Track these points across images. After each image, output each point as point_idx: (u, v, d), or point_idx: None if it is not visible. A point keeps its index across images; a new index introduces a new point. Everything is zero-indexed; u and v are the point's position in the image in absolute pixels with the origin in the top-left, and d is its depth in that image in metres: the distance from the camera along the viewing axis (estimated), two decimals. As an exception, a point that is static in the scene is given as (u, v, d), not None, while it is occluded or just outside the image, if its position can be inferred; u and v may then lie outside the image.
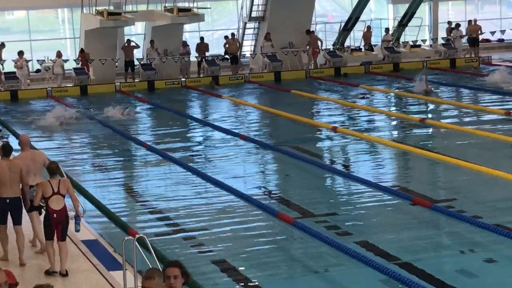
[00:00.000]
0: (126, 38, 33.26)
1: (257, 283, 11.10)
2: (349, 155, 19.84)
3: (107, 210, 14.49)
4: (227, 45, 33.67)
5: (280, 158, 19.08)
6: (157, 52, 32.63)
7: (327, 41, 36.76)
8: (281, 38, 34.20)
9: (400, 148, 19.57)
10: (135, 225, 13.65)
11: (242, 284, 11.11)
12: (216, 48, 35.97)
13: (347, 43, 35.96)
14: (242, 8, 36.02)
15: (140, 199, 16.00)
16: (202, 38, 34.02)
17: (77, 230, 11.43)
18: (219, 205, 15.05)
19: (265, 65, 33.80)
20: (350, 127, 22.39)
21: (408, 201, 14.58)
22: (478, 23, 36.12)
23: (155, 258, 9.51)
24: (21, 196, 11.59)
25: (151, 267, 8.92)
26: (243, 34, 35.78)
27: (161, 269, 6.91)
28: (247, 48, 35.78)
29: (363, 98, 27.06)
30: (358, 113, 24.89)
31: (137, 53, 33.20)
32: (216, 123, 23.66)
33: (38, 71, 33.17)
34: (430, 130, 21.81)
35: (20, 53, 31.03)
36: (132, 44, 32.56)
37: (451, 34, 36.20)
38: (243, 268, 11.64)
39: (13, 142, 15.79)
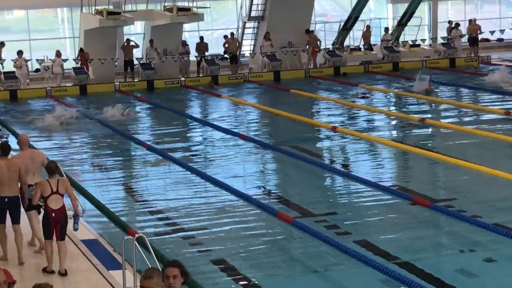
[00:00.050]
0: (125, 37, 33.25)
1: (256, 283, 11.09)
2: (349, 154, 19.83)
3: (106, 210, 14.48)
4: (226, 45, 33.66)
5: (279, 157, 19.07)
6: (156, 52, 32.62)
7: (327, 41, 36.79)
8: (280, 38, 34.19)
9: (400, 147, 19.57)
10: (134, 225, 13.64)
11: (242, 283, 11.10)
12: (216, 48, 35.95)
13: (346, 43, 35.96)
14: (241, 7, 36.02)
15: (140, 199, 16.00)
16: (202, 38, 34.02)
17: (75, 229, 11.43)
18: (219, 205, 15.04)
19: (264, 64, 33.80)
20: (350, 127, 22.38)
21: (407, 200, 14.57)
22: (477, 22, 36.13)
23: (155, 257, 9.51)
24: (19, 195, 11.59)
25: (150, 266, 8.92)
26: (243, 33, 35.78)
27: (160, 269, 6.89)
28: (247, 47, 35.77)
29: (363, 97, 27.02)
30: (357, 113, 24.88)
31: (137, 53, 33.19)
32: (215, 123, 23.66)
33: (37, 70, 33.16)
34: (430, 129, 21.80)
35: (20, 53, 31.03)
36: (132, 43, 32.54)
37: (451, 34, 36.20)
38: (242, 267, 11.62)
39: (13, 142, 15.76)
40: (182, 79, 32.45)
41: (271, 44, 33.85)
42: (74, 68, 31.66)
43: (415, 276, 10.80)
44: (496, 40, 39.47)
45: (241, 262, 11.88)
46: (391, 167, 18.89)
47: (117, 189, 17.02)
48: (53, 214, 10.96)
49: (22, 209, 11.77)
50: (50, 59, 31.83)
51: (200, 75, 33.13)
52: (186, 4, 33.45)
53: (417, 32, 36.94)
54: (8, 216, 11.60)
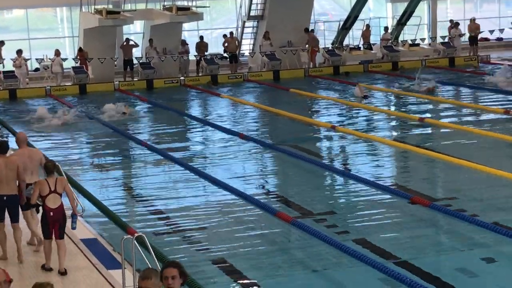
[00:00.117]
0: (125, 37, 33.25)
1: (256, 282, 11.09)
2: (348, 154, 19.82)
3: (106, 209, 14.48)
4: (226, 44, 33.66)
5: (279, 157, 19.07)
6: (156, 51, 32.62)
7: (327, 40, 36.79)
8: (280, 37, 34.20)
9: (399, 147, 19.57)
10: (134, 224, 13.64)
11: (241, 282, 11.10)
12: (215, 47, 35.95)
13: (346, 42, 35.95)
14: (241, 7, 36.03)
15: (139, 198, 15.98)
16: (201, 37, 34.04)
17: (73, 228, 11.43)
18: (218, 204, 15.03)
19: (264, 64, 33.80)
20: (349, 126, 22.37)
21: (407, 200, 14.57)
22: (476, 21, 36.13)
23: (154, 257, 9.50)
24: (18, 194, 11.59)
25: (149, 266, 8.92)
26: (242, 33, 35.78)
27: (159, 269, 6.88)
28: (246, 47, 35.78)
29: (364, 97, 26.94)
30: (357, 112, 24.88)
31: (136, 52, 33.19)
32: (215, 122, 23.65)
33: (37, 70, 33.17)
34: (430, 129, 21.80)
35: (19, 52, 31.03)
36: (131, 43, 32.54)
37: (450, 33, 36.20)
38: (242, 266, 11.61)
39: (12, 142, 15.74)
40: (182, 78, 32.45)
41: (270, 44, 33.85)
42: (73, 68, 31.66)
43: (414, 275, 10.80)
44: (496, 39, 39.46)
45: (241, 261, 11.87)
46: (391, 166, 18.89)
47: (116, 189, 17.02)
48: (51, 213, 10.97)
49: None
50: (49, 59, 31.84)
51: (200, 75, 33.14)
52: (185, 3, 33.46)
53: (417, 31, 36.96)
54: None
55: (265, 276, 11.35)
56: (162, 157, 19.18)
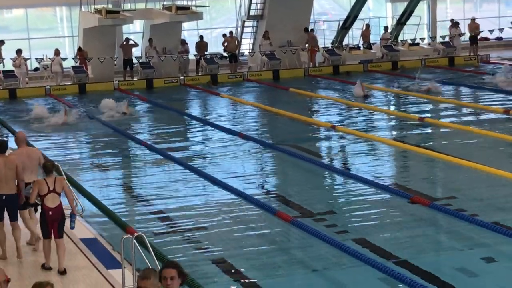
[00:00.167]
0: (124, 36, 33.23)
1: (255, 281, 11.08)
2: (348, 153, 19.81)
3: (106, 209, 14.47)
4: (225, 44, 33.65)
5: (279, 156, 19.06)
6: (155, 51, 32.61)
7: (327, 40, 36.78)
8: (279, 37, 34.19)
9: (399, 146, 19.56)
10: (134, 224, 13.63)
11: (241, 282, 11.09)
12: (215, 47, 35.94)
13: (345, 42, 35.94)
14: (240, 6, 36.02)
15: (139, 198, 15.97)
16: (201, 37, 34.04)
17: (72, 228, 11.42)
18: (218, 204, 15.02)
19: (263, 63, 33.79)
20: (349, 126, 22.36)
21: (407, 199, 14.57)
22: (476, 21, 36.13)
23: (154, 256, 9.50)
24: (17, 193, 11.59)
25: (149, 266, 8.92)
26: (242, 32, 35.78)
27: (158, 269, 6.87)
28: (246, 46, 35.77)
29: (365, 96, 26.91)
30: (357, 112, 24.87)
31: (136, 52, 33.18)
32: (215, 122, 23.64)
33: (36, 69, 33.14)
34: (429, 128, 21.79)
35: (19, 52, 31.02)
36: (131, 42, 32.53)
37: (450, 32, 36.19)
38: (241, 266, 11.61)
39: (12, 142, 15.74)
40: (181, 78, 32.45)
41: (270, 43, 33.84)
42: (73, 67, 31.65)
43: (414, 274, 10.80)
44: (495, 39, 39.46)
45: (240, 260, 11.87)
46: (390, 166, 18.88)
47: (116, 188, 17.01)
48: (50, 213, 10.97)
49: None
50: (49, 58, 31.82)
51: (200, 74, 33.13)
52: (185, 3, 33.44)
53: (416, 31, 36.94)
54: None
55: (265, 276, 11.34)
56: (162, 157, 19.18)
